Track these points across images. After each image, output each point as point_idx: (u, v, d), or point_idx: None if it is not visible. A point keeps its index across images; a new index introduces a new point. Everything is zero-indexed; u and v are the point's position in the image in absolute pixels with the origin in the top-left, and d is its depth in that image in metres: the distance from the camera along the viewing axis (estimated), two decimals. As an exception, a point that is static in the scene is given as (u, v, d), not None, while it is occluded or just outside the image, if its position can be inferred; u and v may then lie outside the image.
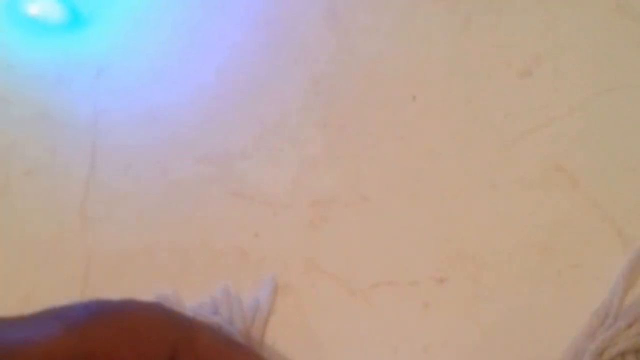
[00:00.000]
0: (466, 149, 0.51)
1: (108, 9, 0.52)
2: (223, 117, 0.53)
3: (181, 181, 0.52)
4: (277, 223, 0.50)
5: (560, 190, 0.50)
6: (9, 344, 0.32)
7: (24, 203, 0.52)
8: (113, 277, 0.50)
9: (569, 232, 0.49)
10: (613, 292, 0.47)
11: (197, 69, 0.53)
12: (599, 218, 0.49)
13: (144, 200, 0.52)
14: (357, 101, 0.53)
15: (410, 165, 0.51)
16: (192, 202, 0.51)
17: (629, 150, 0.51)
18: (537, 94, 0.52)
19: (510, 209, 0.50)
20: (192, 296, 0.49)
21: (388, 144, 0.52)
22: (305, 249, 0.49)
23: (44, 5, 0.50)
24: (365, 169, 0.51)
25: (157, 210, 0.52)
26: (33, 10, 0.50)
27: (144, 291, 0.49)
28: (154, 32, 0.52)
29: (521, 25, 0.54)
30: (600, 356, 0.45)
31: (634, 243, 0.49)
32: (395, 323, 0.48)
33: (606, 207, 0.49)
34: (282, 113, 0.53)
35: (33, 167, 0.53)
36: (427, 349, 0.47)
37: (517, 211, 0.50)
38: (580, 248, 0.49)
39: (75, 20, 0.51)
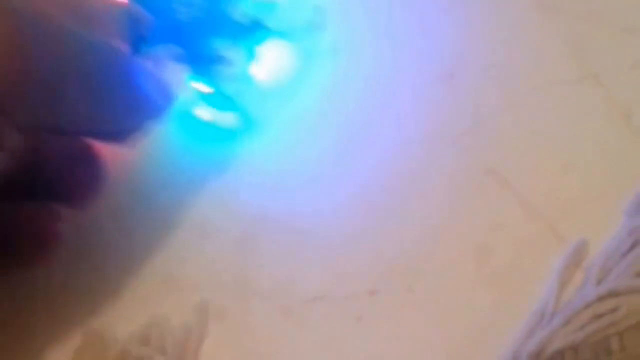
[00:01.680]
0: (395, 158, 0.51)
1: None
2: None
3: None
4: (206, 245, 0.50)
5: (491, 193, 0.50)
6: None
7: None
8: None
9: (502, 234, 0.50)
10: (549, 291, 0.48)
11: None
12: (531, 217, 0.49)
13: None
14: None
15: (335, 182, 0.51)
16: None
17: (558, 147, 0.52)
18: (461, 97, 0.52)
19: (442, 215, 0.50)
20: (121, 327, 0.48)
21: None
22: (235, 270, 0.49)
23: (216, 111, 0.51)
24: (298, 196, 0.51)
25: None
26: (204, 115, 0.51)
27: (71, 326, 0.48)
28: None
29: (441, 29, 0.54)
30: (538, 356, 0.45)
31: (567, 241, 0.49)
32: (329, 339, 0.47)
33: (539, 206, 0.50)
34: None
35: None
36: (363, 363, 0.46)
37: (449, 216, 0.50)
38: (515, 249, 0.49)
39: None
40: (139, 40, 0.49)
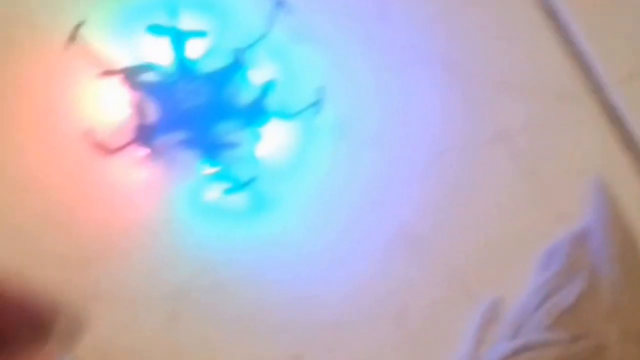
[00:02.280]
0: (314, 232, 0.53)
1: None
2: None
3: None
4: (136, 321, 0.51)
5: (405, 256, 0.52)
6: None
7: None
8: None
9: (418, 296, 0.51)
10: (465, 348, 0.50)
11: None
12: (445, 278, 0.51)
13: None
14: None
15: (261, 250, 0.52)
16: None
17: (466, 207, 0.53)
18: (376, 163, 0.54)
19: (362, 280, 0.52)
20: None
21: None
22: (163, 344, 0.50)
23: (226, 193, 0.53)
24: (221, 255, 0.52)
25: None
26: (215, 198, 0.53)
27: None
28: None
29: (360, 94, 0.56)
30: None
31: (482, 299, 0.51)
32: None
33: (452, 267, 0.52)
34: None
35: None
36: None
37: (368, 281, 0.52)
38: (432, 310, 0.52)
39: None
40: (149, 130, 0.52)
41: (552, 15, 0.59)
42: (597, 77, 0.57)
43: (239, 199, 0.54)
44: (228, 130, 0.54)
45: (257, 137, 0.54)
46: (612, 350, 0.49)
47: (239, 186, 0.53)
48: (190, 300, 0.52)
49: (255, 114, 0.54)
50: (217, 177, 0.53)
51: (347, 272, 0.53)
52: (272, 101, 0.55)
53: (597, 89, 0.57)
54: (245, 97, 0.54)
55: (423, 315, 0.51)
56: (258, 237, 0.54)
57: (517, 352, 0.49)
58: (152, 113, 0.53)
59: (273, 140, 0.55)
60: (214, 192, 0.53)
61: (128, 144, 0.53)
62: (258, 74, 0.55)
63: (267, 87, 0.55)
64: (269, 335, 0.51)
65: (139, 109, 0.53)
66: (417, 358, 0.50)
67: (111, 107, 0.54)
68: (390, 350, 0.50)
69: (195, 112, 0.53)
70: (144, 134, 0.52)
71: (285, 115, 0.55)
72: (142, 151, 0.53)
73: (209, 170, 0.53)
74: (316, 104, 0.55)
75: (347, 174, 0.55)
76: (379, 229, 0.53)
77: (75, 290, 0.50)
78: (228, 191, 0.53)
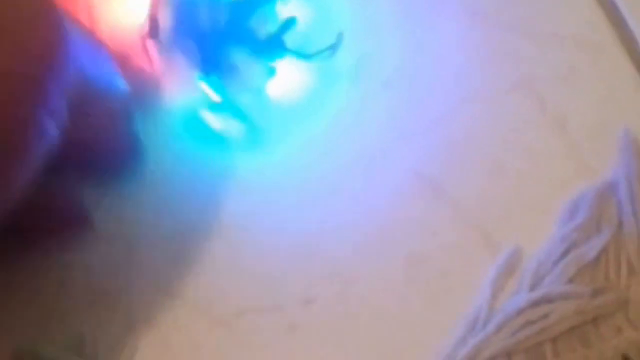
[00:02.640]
0: (327, 169, 0.51)
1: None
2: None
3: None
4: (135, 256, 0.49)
5: (424, 200, 0.50)
6: None
7: None
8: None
9: (436, 241, 0.50)
10: (481, 298, 0.48)
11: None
12: (464, 225, 0.50)
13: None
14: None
15: (268, 186, 0.51)
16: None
17: (489, 154, 0.52)
18: (396, 105, 0.52)
19: (376, 223, 0.50)
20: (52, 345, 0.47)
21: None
22: (164, 282, 0.48)
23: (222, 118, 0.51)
24: (225, 194, 0.51)
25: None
26: (210, 120, 0.51)
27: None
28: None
29: (378, 37, 0.54)
30: (471, 362, 0.45)
31: (500, 248, 0.50)
32: (262, 350, 0.47)
33: (472, 214, 0.51)
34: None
35: None
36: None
37: (382, 224, 0.50)
38: (448, 256, 0.50)
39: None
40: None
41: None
42: (628, 26, 0.55)
43: (235, 127, 0.52)
44: (240, 58, 0.51)
45: (270, 72, 0.52)
46: (635, 305, 0.48)
47: (237, 114, 0.51)
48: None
49: (272, 48, 0.52)
50: (221, 105, 0.51)
51: (358, 214, 0.51)
52: (292, 39, 0.53)
53: (627, 39, 0.55)
54: (265, 30, 0.52)
55: (439, 262, 0.50)
56: (258, 178, 0.52)
57: (536, 303, 0.48)
58: (168, 23, 0.51)
59: (286, 79, 0.53)
60: (210, 115, 0.51)
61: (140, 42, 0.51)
62: (282, 10, 0.53)
63: (288, 23, 0.53)
64: (276, 281, 0.49)
65: (156, 27, 0.51)
66: (431, 306, 0.48)
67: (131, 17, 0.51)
68: (402, 295, 0.49)
69: (211, 33, 0.51)
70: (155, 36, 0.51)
71: (301, 54, 0.53)
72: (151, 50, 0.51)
73: (210, 92, 0.51)
74: (333, 47, 0.53)
75: (362, 116, 0.53)
76: (394, 170, 0.52)
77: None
78: (224, 114, 0.51)
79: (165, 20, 0.51)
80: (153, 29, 0.51)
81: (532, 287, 0.48)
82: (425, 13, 0.56)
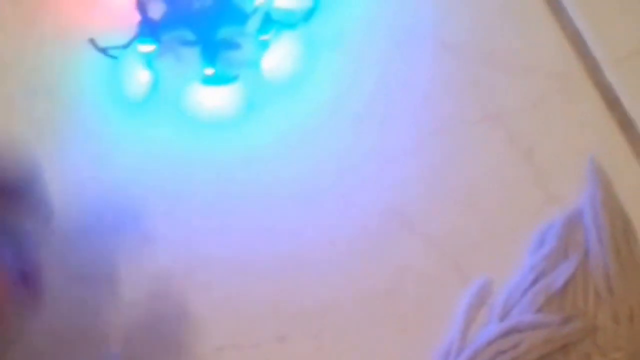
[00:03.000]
0: (303, 200, 0.52)
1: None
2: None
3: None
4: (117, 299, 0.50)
5: (398, 235, 0.51)
6: None
7: None
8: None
9: (410, 275, 0.51)
10: (454, 330, 0.49)
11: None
12: (436, 257, 0.52)
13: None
14: (191, 166, 0.53)
15: (246, 226, 0.52)
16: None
17: (459, 186, 0.53)
18: (369, 139, 0.53)
19: (351, 260, 0.51)
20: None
21: (223, 206, 0.52)
22: (147, 317, 0.50)
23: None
24: (202, 234, 0.52)
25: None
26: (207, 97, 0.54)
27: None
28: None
29: (351, 72, 0.55)
30: (444, 395, 0.46)
31: (472, 279, 0.51)
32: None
33: (443, 246, 0.52)
34: (118, 186, 0.53)
35: None
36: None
37: (353, 258, 0.51)
38: (423, 289, 0.51)
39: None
40: (154, 26, 0.53)
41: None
42: (593, 56, 0.57)
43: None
44: (232, 34, 0.54)
45: (263, 46, 0.55)
46: (603, 332, 0.49)
47: (222, 79, 0.53)
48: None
49: (261, 21, 0.54)
50: (216, 78, 0.54)
51: (328, 249, 0.52)
52: (275, 10, 0.55)
53: (593, 69, 0.57)
54: (250, 6, 0.54)
55: (413, 296, 0.51)
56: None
57: (506, 333, 0.49)
58: (158, 11, 0.54)
59: (275, 50, 0.55)
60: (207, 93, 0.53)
61: (132, 40, 0.53)
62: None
63: None
64: (249, 317, 0.51)
65: (143, 7, 0.54)
66: (406, 337, 0.50)
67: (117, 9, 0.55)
68: (378, 327, 0.50)
69: (201, 14, 0.54)
70: (148, 30, 0.53)
71: (288, 24, 0.55)
72: (146, 47, 0.53)
73: (210, 70, 0.53)
74: (312, 11, 0.56)
75: (329, 151, 0.55)
76: (364, 204, 0.53)
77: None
78: (211, 80, 0.53)
79: (155, 16, 0.54)
80: (147, 30, 0.53)
81: (502, 317, 0.50)
82: (396, 45, 0.57)
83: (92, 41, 0.53)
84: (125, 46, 0.53)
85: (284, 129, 0.55)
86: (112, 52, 0.53)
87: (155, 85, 0.54)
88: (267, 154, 0.54)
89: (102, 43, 0.53)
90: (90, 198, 0.53)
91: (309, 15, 0.56)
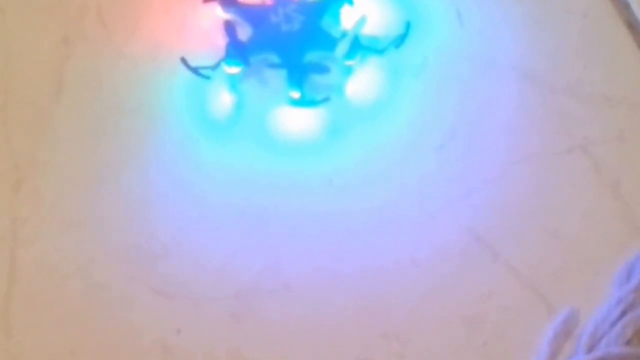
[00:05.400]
0: (386, 224, 0.53)
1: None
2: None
3: (104, 283, 0.53)
4: (200, 317, 0.51)
5: (481, 261, 0.51)
6: None
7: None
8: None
9: (492, 303, 0.51)
10: (540, 360, 0.48)
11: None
12: (520, 286, 0.51)
13: (66, 304, 0.52)
14: (274, 188, 0.54)
15: (328, 248, 0.52)
16: (115, 303, 0.52)
17: (544, 216, 0.53)
18: (452, 166, 0.54)
19: (432, 284, 0.51)
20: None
21: (306, 229, 0.53)
22: (228, 341, 0.50)
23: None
24: (286, 256, 0.52)
25: (80, 313, 0.52)
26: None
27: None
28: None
29: (431, 102, 0.56)
30: None
31: (557, 309, 0.50)
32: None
33: (527, 275, 0.51)
34: (201, 207, 0.54)
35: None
36: None
37: (439, 285, 0.51)
38: (505, 318, 0.51)
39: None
40: (241, 48, 0.55)
41: (634, 27, 0.58)
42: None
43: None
44: (319, 58, 0.56)
45: (348, 71, 0.56)
46: (695, 367, 0.48)
47: (310, 102, 0.55)
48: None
49: (349, 46, 0.56)
50: (302, 101, 0.55)
51: (412, 273, 0.52)
52: (362, 36, 0.57)
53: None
54: (337, 28, 0.56)
55: (496, 324, 0.51)
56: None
57: (593, 366, 0.49)
58: (246, 33, 0.56)
59: (361, 75, 0.56)
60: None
61: (220, 61, 0.55)
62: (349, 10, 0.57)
63: (360, 22, 0.56)
64: (331, 339, 0.51)
65: (232, 29, 0.56)
66: (488, 366, 0.49)
67: (206, 31, 0.57)
68: (460, 355, 0.50)
69: (289, 37, 0.56)
70: (236, 52, 0.55)
71: (375, 50, 0.57)
72: (233, 69, 0.55)
73: (296, 94, 0.55)
74: (403, 37, 0.57)
75: (416, 177, 0.55)
76: (449, 230, 0.53)
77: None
78: (298, 102, 0.55)
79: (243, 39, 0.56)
80: (234, 53, 0.55)
81: (590, 349, 0.49)
82: (478, 74, 0.57)
83: (183, 60, 0.55)
84: (214, 67, 0.54)
85: (367, 153, 0.55)
86: (202, 72, 0.55)
87: (239, 107, 0.56)
88: (350, 177, 0.55)
89: (192, 63, 0.55)
90: (171, 218, 0.54)
91: (398, 41, 0.57)
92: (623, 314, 0.50)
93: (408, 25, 0.57)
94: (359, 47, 0.56)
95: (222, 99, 0.55)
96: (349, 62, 0.56)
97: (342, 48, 0.55)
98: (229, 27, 0.55)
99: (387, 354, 0.50)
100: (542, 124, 0.56)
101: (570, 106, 0.57)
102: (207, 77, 0.55)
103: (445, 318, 0.51)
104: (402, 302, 0.51)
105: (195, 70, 0.55)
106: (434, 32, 0.58)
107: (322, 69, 0.56)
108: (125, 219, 0.54)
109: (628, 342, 0.49)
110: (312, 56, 0.56)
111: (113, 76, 0.56)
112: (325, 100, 0.55)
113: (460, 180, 0.55)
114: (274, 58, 0.56)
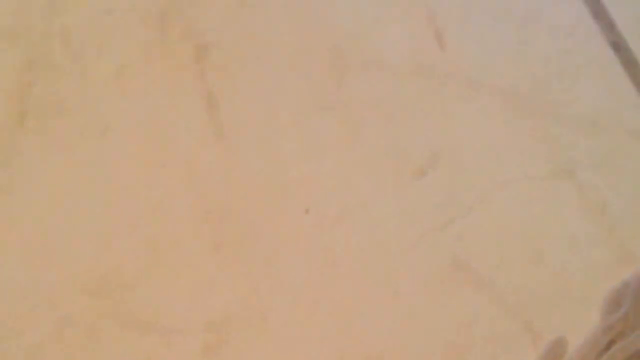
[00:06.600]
0: (366, 254, 0.52)
1: None
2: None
3: (71, 316, 0.52)
4: (170, 351, 0.50)
5: (464, 289, 0.51)
6: None
7: None
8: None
9: (477, 331, 0.50)
10: (525, 390, 0.48)
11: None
12: (505, 314, 0.50)
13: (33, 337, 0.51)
14: (249, 218, 0.53)
15: (308, 278, 0.51)
16: (82, 337, 0.51)
17: (529, 242, 0.52)
18: (434, 193, 0.53)
19: (415, 313, 0.50)
20: None
21: (284, 259, 0.52)
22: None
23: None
24: (263, 286, 0.51)
25: (47, 346, 0.51)
26: None
27: None
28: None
29: (413, 127, 0.55)
30: None
31: (542, 337, 0.49)
32: None
33: (511, 303, 0.51)
34: (174, 237, 0.53)
35: None
36: None
37: (422, 314, 0.50)
38: (491, 346, 0.50)
39: None
40: None
41: (620, 49, 0.58)
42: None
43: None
44: None
45: None
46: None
47: None
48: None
49: None
50: None
51: (393, 301, 0.51)
52: None
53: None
54: None
55: (479, 353, 0.49)
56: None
57: (580, 397, 0.48)
58: None
59: None
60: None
61: None
62: None
63: None
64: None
65: None
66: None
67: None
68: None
69: None
70: None
71: None
72: None
73: None
74: None
75: (394, 205, 0.54)
76: (430, 258, 0.52)
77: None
78: None
79: None
80: None
81: (577, 380, 0.48)
82: (463, 99, 0.57)
83: None
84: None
85: (344, 181, 0.54)
86: None
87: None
88: (327, 206, 0.54)
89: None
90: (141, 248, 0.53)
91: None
92: (611, 343, 0.49)
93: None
94: None
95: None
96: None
97: None
98: None
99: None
100: (526, 148, 0.56)
101: (555, 129, 0.56)
102: None
103: (429, 348, 0.50)
104: (384, 332, 0.51)
105: None
106: (412, 55, 0.58)
107: None
108: (93, 250, 0.53)
109: (616, 373, 0.48)
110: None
111: (78, 101, 0.55)
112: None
113: (442, 207, 0.54)
114: None
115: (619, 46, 0.59)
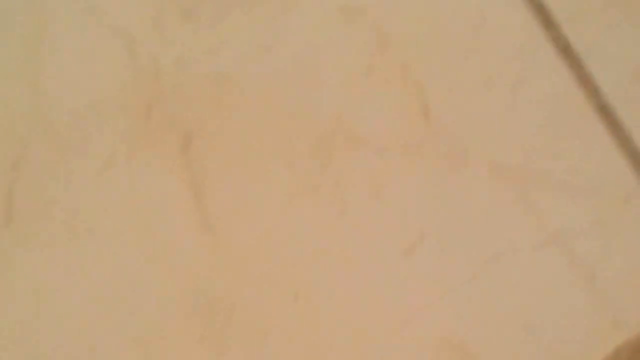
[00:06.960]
0: (354, 336, 0.52)
1: None
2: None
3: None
4: None
5: (455, 366, 0.51)
6: None
7: None
8: None
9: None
10: None
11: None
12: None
13: None
14: (237, 307, 0.54)
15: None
16: None
17: (520, 315, 0.52)
18: (422, 271, 0.53)
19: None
20: None
21: (272, 347, 0.52)
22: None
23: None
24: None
25: None
26: None
27: None
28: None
29: (400, 205, 0.55)
30: None
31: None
32: None
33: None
34: (163, 332, 0.54)
35: None
36: None
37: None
38: None
39: None
40: None
41: (605, 111, 0.58)
42: (655, 175, 0.57)
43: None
44: None
45: None
46: None
47: None
48: None
49: None
50: None
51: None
52: None
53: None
54: None
55: None
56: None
57: None
58: None
59: None
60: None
61: None
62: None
63: None
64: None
65: None
66: None
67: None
68: None
69: None
70: None
71: None
72: None
73: None
74: None
75: (382, 286, 0.55)
76: (420, 339, 0.52)
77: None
78: None
79: None
80: None
81: None
82: (448, 170, 0.57)
83: None
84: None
85: (331, 262, 0.55)
86: None
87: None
88: (314, 290, 0.54)
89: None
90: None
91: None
92: (604, 414, 0.49)
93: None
94: None
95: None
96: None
97: None
98: None
99: None
100: (513, 219, 0.56)
101: (542, 198, 0.56)
102: None
103: None
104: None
105: None
106: (397, 132, 0.58)
107: None
108: (78, 350, 0.53)
109: None
110: None
111: (63, 199, 0.56)
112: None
113: (430, 285, 0.54)
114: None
115: (604, 110, 0.59)
